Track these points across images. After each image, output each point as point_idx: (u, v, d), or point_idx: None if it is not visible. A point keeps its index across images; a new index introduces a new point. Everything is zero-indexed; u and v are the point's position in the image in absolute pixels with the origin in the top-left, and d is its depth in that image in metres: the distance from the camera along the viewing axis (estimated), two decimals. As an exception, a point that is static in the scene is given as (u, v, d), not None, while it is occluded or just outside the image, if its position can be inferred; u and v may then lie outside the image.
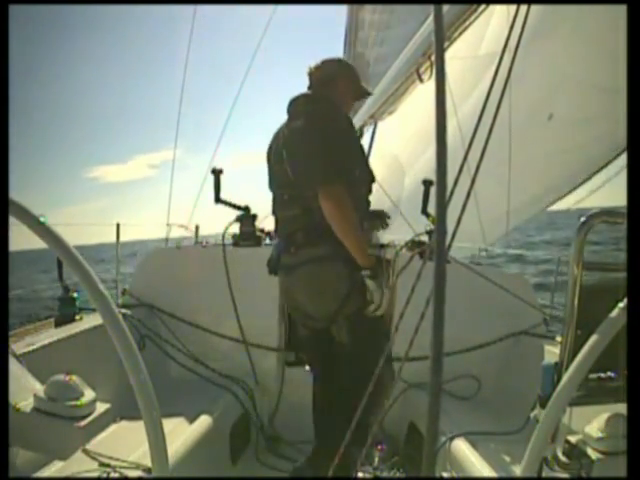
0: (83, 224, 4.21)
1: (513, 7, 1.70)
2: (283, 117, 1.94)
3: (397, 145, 6.19)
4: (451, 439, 1.84)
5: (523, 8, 1.69)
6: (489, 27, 3.83)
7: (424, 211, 2.87)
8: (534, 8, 1.47)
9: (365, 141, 5.06)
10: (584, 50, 3.15)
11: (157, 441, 0.91)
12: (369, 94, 2.13)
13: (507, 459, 1.67)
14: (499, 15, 3.11)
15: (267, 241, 2.91)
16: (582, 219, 1.19)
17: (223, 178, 2.84)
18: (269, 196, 1.97)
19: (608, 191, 3.27)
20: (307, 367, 2.61)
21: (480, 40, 4.03)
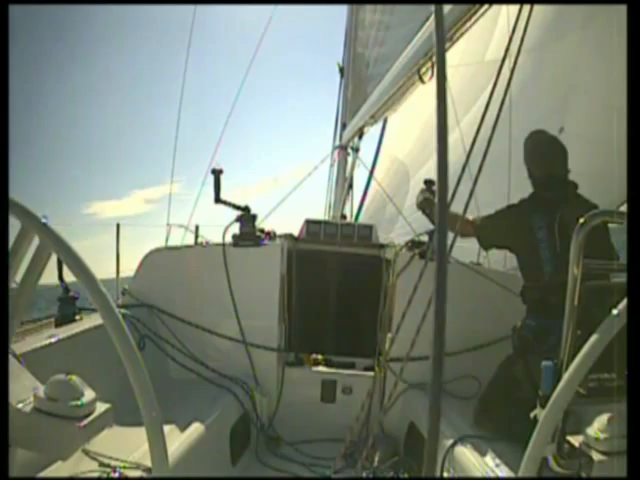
0: (83, 225, 4.22)
1: (513, 10, 1.70)
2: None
3: (405, 146, 6.20)
4: (453, 444, 1.84)
5: (526, 9, 1.69)
6: (495, 33, 3.84)
7: (425, 211, 2.86)
8: (543, 18, 1.47)
9: (364, 141, 5.07)
10: (601, 64, 3.13)
11: (157, 441, 0.91)
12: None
13: (507, 459, 1.67)
14: (504, 21, 3.11)
15: (266, 241, 2.91)
16: (581, 219, 1.19)
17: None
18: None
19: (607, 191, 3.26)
20: None
21: (485, 47, 4.04)
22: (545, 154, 2.14)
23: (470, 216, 2.24)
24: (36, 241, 0.89)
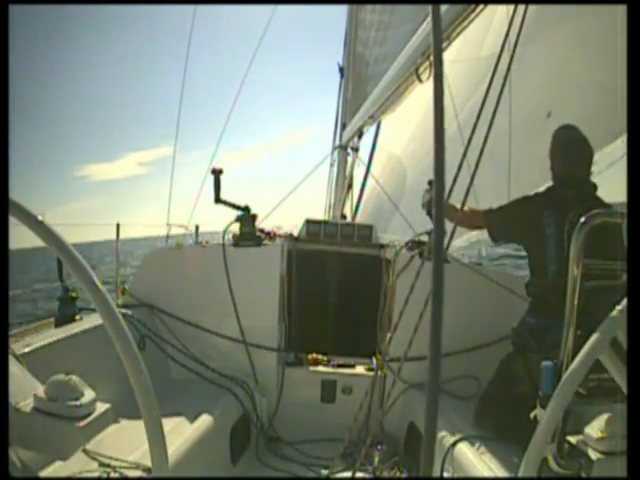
0: (84, 224, 4.20)
1: (510, 6, 1.71)
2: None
3: (401, 145, 6.19)
4: (453, 444, 1.84)
5: (521, 8, 1.69)
6: (491, 29, 3.84)
7: (430, 212, 2.85)
8: (533, 5, 1.48)
9: (364, 141, 5.07)
10: (583, 48, 3.15)
11: (157, 441, 0.91)
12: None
13: (507, 459, 1.67)
14: (500, 16, 3.11)
15: (266, 241, 2.91)
16: (582, 219, 1.19)
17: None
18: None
19: (607, 191, 3.27)
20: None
21: (482, 42, 4.04)
22: (570, 152, 2.09)
23: (479, 207, 2.20)
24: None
